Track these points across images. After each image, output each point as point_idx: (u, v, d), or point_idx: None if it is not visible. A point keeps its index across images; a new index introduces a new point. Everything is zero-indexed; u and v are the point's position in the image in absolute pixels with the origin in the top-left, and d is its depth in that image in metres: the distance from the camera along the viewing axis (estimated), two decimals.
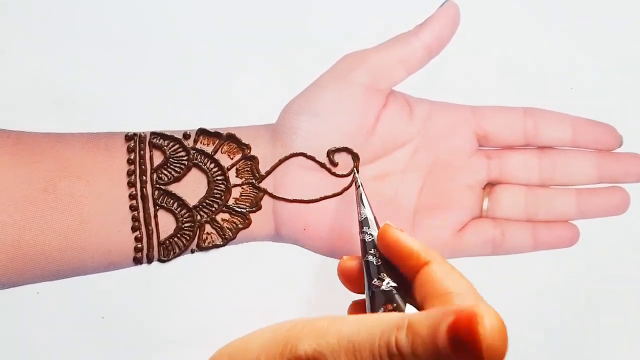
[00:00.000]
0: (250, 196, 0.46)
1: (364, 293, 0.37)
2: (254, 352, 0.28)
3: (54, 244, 0.43)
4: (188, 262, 0.45)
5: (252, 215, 0.46)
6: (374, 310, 0.34)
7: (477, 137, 0.49)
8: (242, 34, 0.46)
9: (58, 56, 0.45)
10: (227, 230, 0.45)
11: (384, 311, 0.33)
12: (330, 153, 0.46)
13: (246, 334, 0.30)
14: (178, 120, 0.46)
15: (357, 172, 0.46)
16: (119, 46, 0.46)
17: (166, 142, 0.45)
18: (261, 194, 0.46)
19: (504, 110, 0.49)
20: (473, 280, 0.48)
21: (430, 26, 0.47)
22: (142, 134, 0.45)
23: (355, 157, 0.46)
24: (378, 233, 0.37)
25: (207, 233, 0.45)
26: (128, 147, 0.45)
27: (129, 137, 0.45)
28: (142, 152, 0.45)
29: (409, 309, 0.33)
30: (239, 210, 0.46)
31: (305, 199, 0.46)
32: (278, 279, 0.45)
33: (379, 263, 0.36)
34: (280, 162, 0.46)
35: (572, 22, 0.49)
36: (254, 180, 0.46)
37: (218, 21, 0.46)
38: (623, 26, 0.50)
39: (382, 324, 0.27)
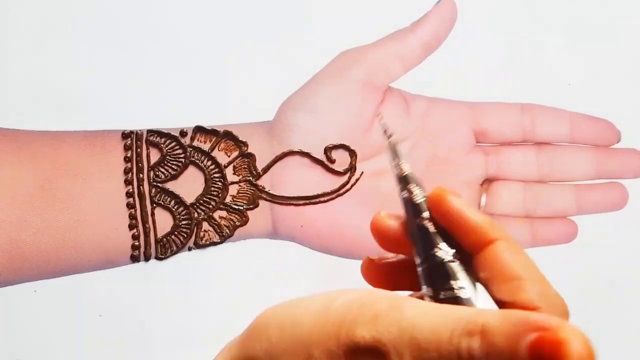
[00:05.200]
0: (248, 193, 0.46)
1: (396, 253, 0.32)
2: (306, 327, 0.26)
3: (51, 242, 0.42)
4: (185, 260, 0.45)
5: (249, 213, 0.46)
6: (434, 286, 0.29)
7: (474, 133, 0.49)
8: (238, 32, 0.46)
9: (55, 55, 0.45)
10: (225, 228, 0.45)
11: (447, 289, 0.29)
12: (328, 150, 0.46)
13: (294, 302, 0.27)
14: (175, 117, 0.46)
15: (355, 169, 0.46)
16: (116, 45, 0.45)
17: (163, 140, 0.45)
18: (258, 191, 0.46)
19: (501, 106, 0.49)
20: None
21: (427, 22, 0.47)
22: (139, 132, 0.45)
23: (353, 154, 0.46)
24: (432, 199, 0.31)
25: (205, 230, 0.45)
26: (125, 145, 0.45)
27: (125, 135, 0.45)
28: (139, 149, 0.45)
29: (479, 287, 0.29)
30: (237, 207, 0.45)
31: (302, 196, 0.46)
32: (275, 276, 0.45)
33: (435, 231, 0.30)
34: (277, 159, 0.46)
35: (570, 18, 0.49)
36: (251, 178, 0.46)
37: (215, 19, 0.46)
38: (621, 22, 0.50)
39: (451, 322, 0.25)
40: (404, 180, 0.32)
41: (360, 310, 0.26)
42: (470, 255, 0.30)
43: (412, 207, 0.31)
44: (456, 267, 0.29)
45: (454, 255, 0.30)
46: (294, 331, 0.26)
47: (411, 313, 0.25)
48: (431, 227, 0.30)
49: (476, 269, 0.30)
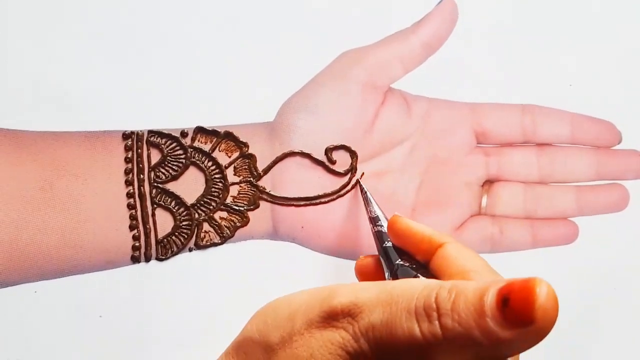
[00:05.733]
0: (248, 194, 0.46)
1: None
2: (296, 304, 0.29)
3: (52, 243, 0.43)
4: (186, 261, 0.45)
5: (250, 214, 0.46)
6: None
7: (475, 134, 0.49)
8: (239, 31, 0.46)
9: (55, 55, 0.45)
10: (225, 229, 0.45)
11: None
12: (329, 151, 0.46)
13: (295, 292, 0.30)
14: (176, 118, 0.46)
15: (355, 170, 0.46)
16: (116, 45, 0.45)
17: (164, 141, 0.45)
18: (258, 192, 0.46)
19: (502, 107, 0.49)
20: None
21: (428, 23, 0.47)
22: (140, 132, 0.45)
23: (354, 155, 0.46)
24: (388, 223, 0.38)
25: (205, 231, 0.45)
26: (125, 146, 0.45)
27: (126, 136, 0.45)
28: (139, 150, 0.45)
29: None
30: (237, 208, 0.45)
31: (303, 196, 0.46)
32: (275, 277, 0.45)
33: (397, 250, 0.37)
34: (277, 160, 0.46)
35: (571, 18, 0.49)
36: (251, 179, 0.46)
37: (215, 18, 0.46)
38: (622, 22, 0.50)
39: (425, 282, 0.27)
40: (374, 220, 0.41)
41: (344, 286, 0.28)
42: (426, 266, 0.35)
43: (379, 236, 0.39)
44: (413, 270, 0.35)
45: (411, 265, 0.35)
46: (286, 310, 0.29)
47: (392, 283, 0.28)
48: (393, 248, 0.37)
49: (431, 273, 0.34)
